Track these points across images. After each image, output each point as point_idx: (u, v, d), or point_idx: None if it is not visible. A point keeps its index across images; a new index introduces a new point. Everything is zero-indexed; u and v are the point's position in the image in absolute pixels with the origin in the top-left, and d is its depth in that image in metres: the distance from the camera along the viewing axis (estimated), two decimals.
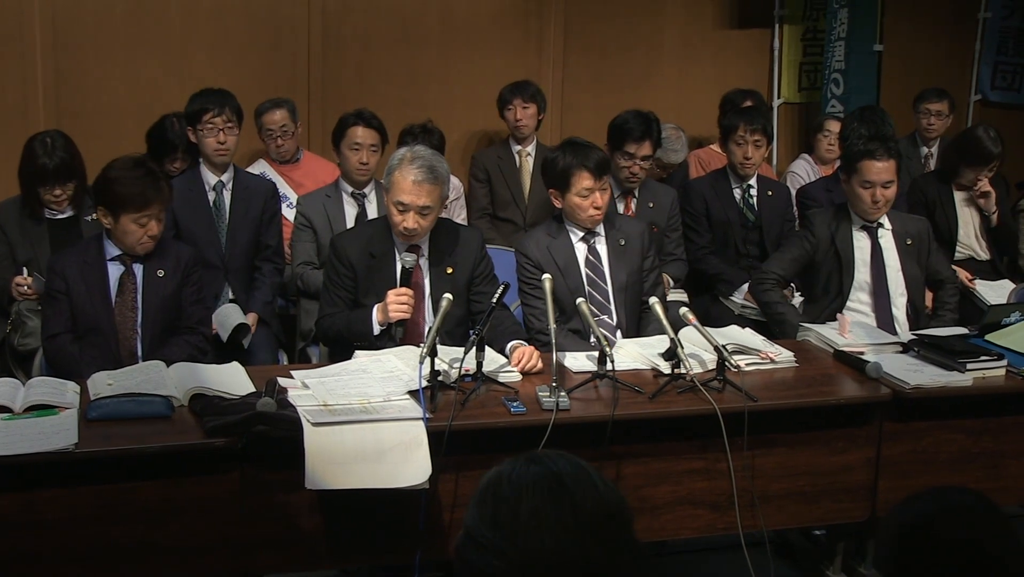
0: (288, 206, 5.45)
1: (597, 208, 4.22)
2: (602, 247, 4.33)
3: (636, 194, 5.28)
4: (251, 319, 4.68)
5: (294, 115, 5.80)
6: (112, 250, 4.00)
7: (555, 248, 4.28)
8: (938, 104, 6.62)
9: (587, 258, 4.30)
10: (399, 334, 3.89)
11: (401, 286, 3.89)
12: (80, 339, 3.96)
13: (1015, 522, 1.88)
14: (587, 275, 4.28)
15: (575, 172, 4.19)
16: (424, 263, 4.07)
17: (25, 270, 4.57)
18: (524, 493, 1.61)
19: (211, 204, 4.89)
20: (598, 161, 4.21)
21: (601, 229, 4.34)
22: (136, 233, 3.91)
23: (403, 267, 3.94)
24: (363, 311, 3.97)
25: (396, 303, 3.84)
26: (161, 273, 4.03)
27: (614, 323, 4.24)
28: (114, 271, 4.00)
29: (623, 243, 4.33)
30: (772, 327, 4.58)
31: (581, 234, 4.31)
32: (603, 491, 1.64)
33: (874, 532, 3.84)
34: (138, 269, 4.01)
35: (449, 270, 4.07)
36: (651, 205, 5.27)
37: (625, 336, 4.19)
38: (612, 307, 4.28)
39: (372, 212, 5.07)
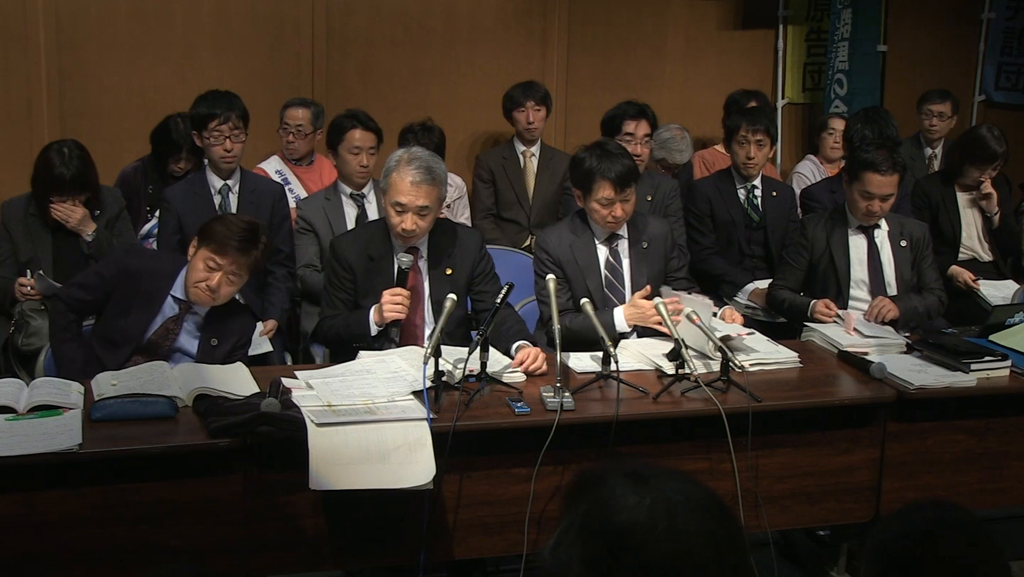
0: None
1: (615, 218, 4.17)
2: (624, 251, 4.29)
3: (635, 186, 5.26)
4: (270, 326, 4.65)
5: (316, 119, 5.82)
6: (179, 290, 3.80)
7: (577, 247, 4.25)
8: (941, 105, 6.61)
9: (607, 260, 4.28)
10: (396, 335, 3.89)
11: (397, 286, 3.89)
12: (87, 341, 3.85)
13: (992, 527, 1.87)
14: (606, 277, 4.27)
15: (597, 179, 4.13)
16: (423, 264, 4.07)
17: (29, 272, 4.57)
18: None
19: (217, 208, 4.85)
20: (621, 172, 4.11)
21: (624, 231, 4.29)
22: (199, 273, 3.69)
23: (399, 267, 3.94)
24: (361, 312, 3.97)
25: (391, 303, 3.84)
26: (214, 343, 3.85)
27: (629, 327, 4.21)
28: (167, 308, 3.82)
29: (646, 246, 4.29)
30: (800, 320, 4.56)
31: (604, 236, 4.28)
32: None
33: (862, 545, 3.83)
34: (189, 323, 3.83)
35: (448, 271, 4.07)
36: (649, 198, 5.26)
37: (640, 338, 4.17)
38: None
39: (372, 213, 5.06)
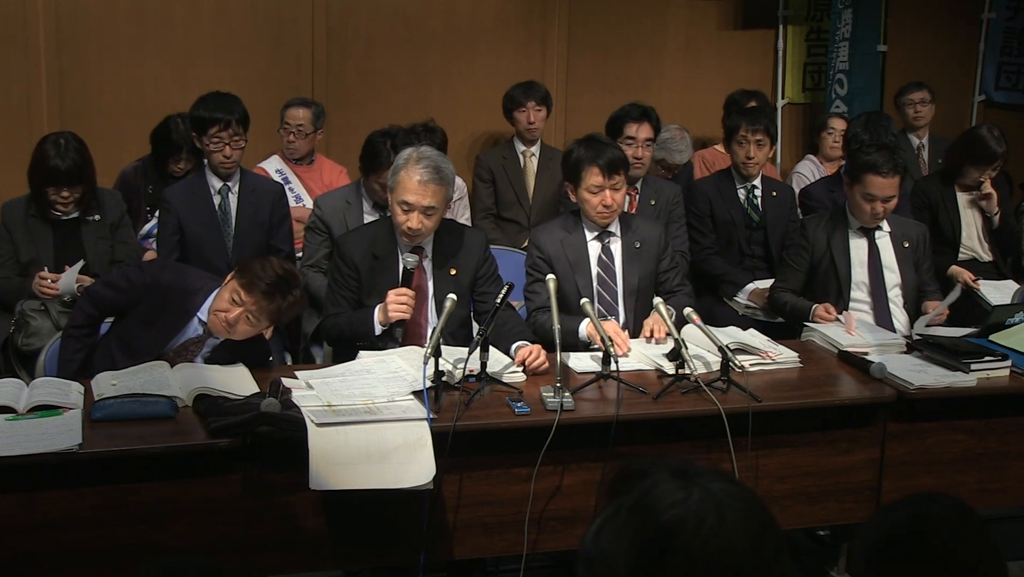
0: (303, 208, 5.44)
1: (606, 206, 4.17)
2: (616, 248, 4.30)
3: (639, 189, 5.27)
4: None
5: (317, 120, 5.82)
6: (205, 313, 3.72)
7: (568, 244, 4.26)
8: (919, 93, 6.70)
9: (599, 257, 4.28)
10: (400, 334, 3.89)
11: (402, 286, 3.89)
12: (96, 347, 3.83)
13: (992, 527, 1.87)
14: (598, 274, 4.27)
15: (585, 167, 4.17)
16: (427, 264, 4.07)
17: (47, 268, 4.53)
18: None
19: (216, 208, 4.84)
20: (610, 159, 4.16)
21: (617, 229, 4.30)
22: (223, 303, 3.61)
23: (404, 267, 3.94)
24: (365, 311, 3.97)
25: (396, 303, 3.84)
26: None
27: (622, 325, 4.22)
28: (191, 329, 3.76)
29: (638, 246, 4.30)
30: (800, 321, 4.55)
31: (596, 232, 4.28)
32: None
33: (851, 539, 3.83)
34: (207, 347, 3.78)
35: (452, 271, 4.07)
36: (653, 203, 5.26)
37: (633, 337, 4.17)
38: (620, 309, 4.26)
39: None
